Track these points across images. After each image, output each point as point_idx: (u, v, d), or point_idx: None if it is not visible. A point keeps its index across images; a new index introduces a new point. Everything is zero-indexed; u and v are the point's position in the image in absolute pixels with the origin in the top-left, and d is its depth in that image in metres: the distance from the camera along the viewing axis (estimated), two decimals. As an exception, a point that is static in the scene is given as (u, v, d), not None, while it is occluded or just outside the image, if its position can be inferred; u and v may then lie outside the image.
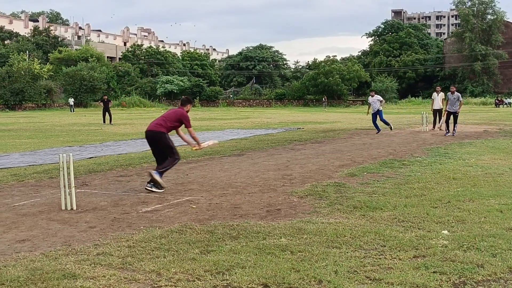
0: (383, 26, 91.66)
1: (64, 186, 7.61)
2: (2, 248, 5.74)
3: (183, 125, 9.35)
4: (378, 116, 21.94)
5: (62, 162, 7.61)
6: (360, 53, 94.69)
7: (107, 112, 31.63)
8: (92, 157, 14.06)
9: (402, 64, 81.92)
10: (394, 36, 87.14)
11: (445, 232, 6.02)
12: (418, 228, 6.20)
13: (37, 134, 23.20)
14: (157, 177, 8.83)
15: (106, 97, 33.67)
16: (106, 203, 8.03)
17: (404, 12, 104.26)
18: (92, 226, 6.62)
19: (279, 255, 5.27)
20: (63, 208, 7.60)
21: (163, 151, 9.17)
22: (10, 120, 35.73)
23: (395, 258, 5.15)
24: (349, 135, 20.78)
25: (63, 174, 7.62)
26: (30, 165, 12.59)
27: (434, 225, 6.35)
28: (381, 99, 22.56)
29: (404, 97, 75.61)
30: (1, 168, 12.07)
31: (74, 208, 7.57)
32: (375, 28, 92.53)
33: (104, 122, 31.56)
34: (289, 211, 7.28)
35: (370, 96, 22.75)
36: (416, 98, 74.62)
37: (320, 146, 16.28)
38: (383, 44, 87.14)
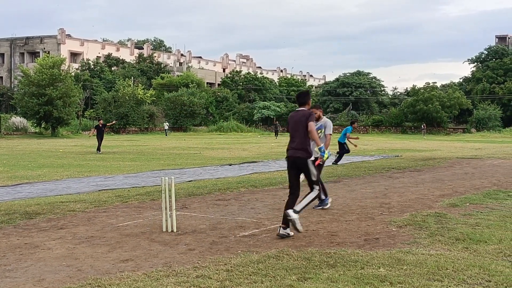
0: (486, 52, 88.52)
1: (166, 208, 7.85)
2: (107, 267, 5.98)
3: None
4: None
5: (164, 185, 7.86)
6: (461, 80, 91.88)
7: (100, 139, 27.70)
8: (191, 181, 14.41)
9: (507, 92, 78.50)
10: (498, 62, 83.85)
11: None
12: (527, 264, 5.89)
13: (139, 157, 24.10)
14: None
15: (101, 121, 29.84)
16: (205, 226, 8.19)
17: (509, 38, 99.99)
18: (192, 249, 6.77)
19: (378, 286, 5.16)
20: (164, 230, 7.83)
21: None
22: (115, 143, 37.35)
23: (501, 294, 4.92)
24: (450, 164, 20.12)
25: (165, 197, 7.86)
26: (133, 187, 13.08)
27: (544, 261, 6.01)
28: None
29: (509, 125, 72.28)
30: (106, 190, 12.63)
31: (175, 230, 7.78)
32: (478, 54, 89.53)
33: (98, 150, 27.20)
34: (387, 241, 7.13)
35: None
36: (522, 126, 71.24)
37: (420, 175, 15.87)
38: (486, 70, 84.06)
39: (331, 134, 9.53)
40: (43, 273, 5.76)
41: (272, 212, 9.46)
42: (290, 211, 7.26)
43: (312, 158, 7.55)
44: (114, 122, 39.93)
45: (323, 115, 9.90)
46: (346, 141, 19.94)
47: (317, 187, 7.57)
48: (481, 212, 9.15)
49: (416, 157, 23.49)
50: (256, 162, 21.17)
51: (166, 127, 61.70)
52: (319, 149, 7.61)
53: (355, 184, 13.53)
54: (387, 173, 16.32)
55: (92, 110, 68.14)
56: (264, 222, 8.53)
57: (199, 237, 7.45)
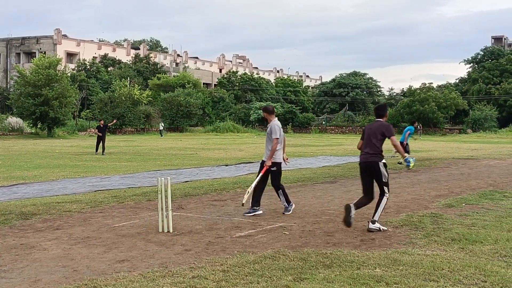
0: (482, 53, 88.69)
1: (162, 209, 7.84)
2: (103, 267, 5.98)
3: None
4: None
5: (160, 185, 7.85)
6: (457, 80, 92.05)
7: (101, 141, 26.88)
8: (187, 181, 14.41)
9: (503, 92, 78.69)
10: (494, 63, 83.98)
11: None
12: (522, 264, 5.90)
13: (135, 158, 24.07)
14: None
15: (102, 122, 29.11)
16: (201, 227, 8.19)
17: (505, 39, 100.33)
18: (188, 249, 6.77)
19: (374, 286, 5.17)
20: (160, 230, 7.83)
21: None
22: (111, 143, 37.24)
23: (497, 295, 4.93)
24: (446, 164, 20.16)
25: (161, 197, 7.86)
26: (129, 187, 13.07)
27: (540, 261, 6.02)
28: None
29: (505, 126, 72.43)
30: (102, 190, 12.61)
31: (171, 230, 7.78)
32: (473, 55, 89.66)
33: (96, 151, 26.88)
34: (383, 241, 7.14)
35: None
36: (518, 127, 71.36)
37: (416, 175, 15.89)
38: (482, 71, 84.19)
39: (277, 138, 9.47)
40: (39, 273, 5.75)
41: (268, 212, 9.47)
42: (370, 225, 7.78)
43: (384, 161, 8.13)
44: (115, 121, 40.12)
45: (275, 118, 9.91)
46: (406, 140, 20.88)
47: (387, 190, 8.01)
48: (477, 213, 9.18)
49: (412, 158, 23.48)
50: (252, 162, 21.16)
51: (161, 128, 61.53)
52: (405, 160, 8.21)
53: (351, 185, 13.53)
54: (383, 174, 16.31)
55: (88, 110, 68.00)
56: (260, 222, 8.53)
57: (195, 237, 7.45)
